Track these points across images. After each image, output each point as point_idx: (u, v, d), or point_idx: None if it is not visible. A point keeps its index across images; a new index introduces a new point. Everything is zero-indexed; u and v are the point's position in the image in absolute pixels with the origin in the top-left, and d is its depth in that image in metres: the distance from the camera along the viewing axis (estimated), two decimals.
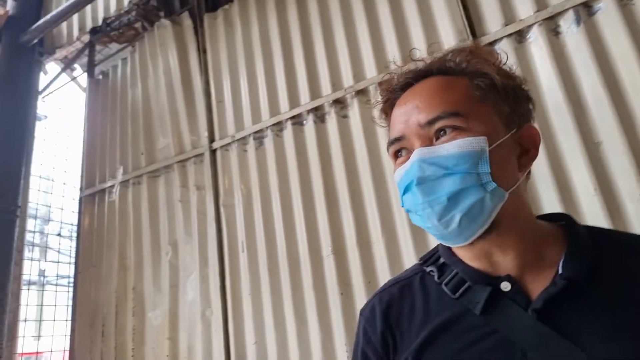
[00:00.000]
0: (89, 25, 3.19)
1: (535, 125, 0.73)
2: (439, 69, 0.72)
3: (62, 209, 3.32)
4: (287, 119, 2.43)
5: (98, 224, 3.05)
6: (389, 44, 2.23)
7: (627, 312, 0.60)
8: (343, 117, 2.29)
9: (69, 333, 2.98)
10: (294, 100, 2.46)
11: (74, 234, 3.26)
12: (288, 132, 2.42)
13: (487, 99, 0.67)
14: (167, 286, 2.63)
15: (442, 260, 0.75)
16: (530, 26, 1.88)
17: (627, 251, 0.66)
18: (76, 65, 3.80)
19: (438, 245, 0.78)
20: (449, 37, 2.05)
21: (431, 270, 0.75)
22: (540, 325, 0.61)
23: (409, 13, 2.21)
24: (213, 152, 2.65)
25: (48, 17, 2.93)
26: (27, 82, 3.13)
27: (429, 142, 0.66)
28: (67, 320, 3.04)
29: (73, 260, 3.17)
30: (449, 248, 0.75)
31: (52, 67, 3.66)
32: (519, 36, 1.91)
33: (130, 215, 2.89)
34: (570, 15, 1.81)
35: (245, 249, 2.40)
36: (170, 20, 2.97)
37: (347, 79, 2.31)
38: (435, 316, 0.70)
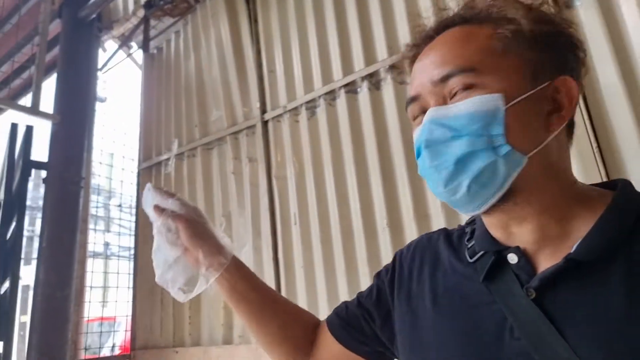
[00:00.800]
0: None
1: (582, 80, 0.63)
2: (461, 18, 0.65)
3: (122, 181, 3.47)
4: (340, 87, 2.36)
5: None
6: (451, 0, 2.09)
7: (630, 316, 0.50)
8: (400, 83, 2.18)
9: (130, 300, 3.16)
10: (347, 67, 2.38)
11: (134, 206, 3.41)
12: (341, 101, 2.35)
13: (510, 50, 0.60)
14: None
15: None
16: None
17: None
18: (132, 43, 3.90)
19: None
20: None
21: (467, 231, 0.72)
22: (533, 306, 0.56)
23: None
24: (265, 123, 2.64)
25: None
26: (87, 57, 3.25)
27: (443, 100, 0.61)
28: (129, 288, 3.20)
29: (134, 231, 3.32)
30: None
31: (109, 45, 3.80)
32: None
33: (185, 187, 2.97)
34: None
35: (298, 221, 2.39)
36: None
37: (405, 42, 2.19)
38: (450, 274, 0.70)
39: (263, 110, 2.66)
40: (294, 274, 2.35)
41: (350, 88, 2.34)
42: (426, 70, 0.63)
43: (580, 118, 1.66)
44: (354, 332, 0.83)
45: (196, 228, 0.86)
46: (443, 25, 0.66)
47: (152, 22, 3.40)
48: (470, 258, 0.66)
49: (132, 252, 3.27)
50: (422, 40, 0.68)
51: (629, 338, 0.49)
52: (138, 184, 3.29)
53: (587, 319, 0.52)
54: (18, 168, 3.04)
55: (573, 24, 0.64)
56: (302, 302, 2.28)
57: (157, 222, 0.86)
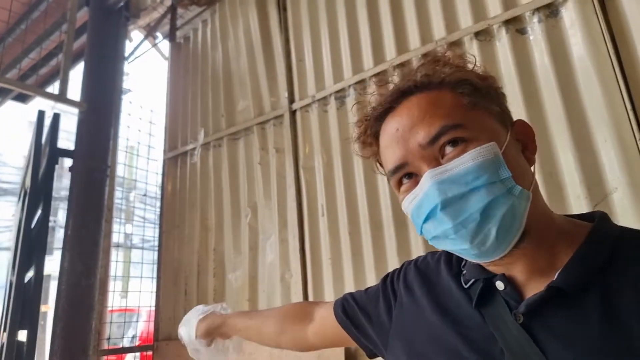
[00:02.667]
0: None
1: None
2: (417, 86, 0.70)
3: (147, 170, 3.58)
4: (370, 77, 2.40)
5: (180, 185, 3.25)
6: None
7: (613, 331, 0.56)
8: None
9: (154, 290, 3.26)
10: (378, 56, 2.41)
11: (158, 196, 3.51)
12: (372, 91, 2.38)
13: (477, 105, 0.67)
14: (247, 248, 2.75)
15: None
16: None
17: None
18: (158, 34, 4.00)
19: None
20: None
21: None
22: (521, 330, 0.62)
23: None
24: (293, 113, 2.70)
25: None
26: (114, 46, 3.35)
27: (435, 162, 0.65)
28: (152, 278, 3.30)
29: (157, 222, 3.42)
30: None
31: (135, 35, 3.90)
32: None
33: (211, 177, 3.05)
34: None
35: (326, 213, 2.44)
36: None
37: (439, 31, 2.22)
38: (446, 297, 0.76)
39: (291, 100, 2.72)
40: (321, 266, 2.40)
41: (381, 78, 2.38)
42: (407, 137, 0.66)
43: (624, 112, 1.67)
44: (353, 320, 0.95)
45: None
46: (400, 94, 0.71)
47: (179, 11, 3.49)
48: (465, 284, 0.73)
49: (156, 243, 3.37)
50: (384, 111, 0.72)
51: (596, 354, 0.56)
52: (163, 174, 3.38)
53: (567, 343, 0.58)
54: (45, 156, 3.16)
55: (497, 77, 0.75)
56: (328, 295, 2.33)
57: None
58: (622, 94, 1.68)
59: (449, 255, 0.82)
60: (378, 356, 0.95)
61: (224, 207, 2.94)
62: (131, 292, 3.64)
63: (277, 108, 2.78)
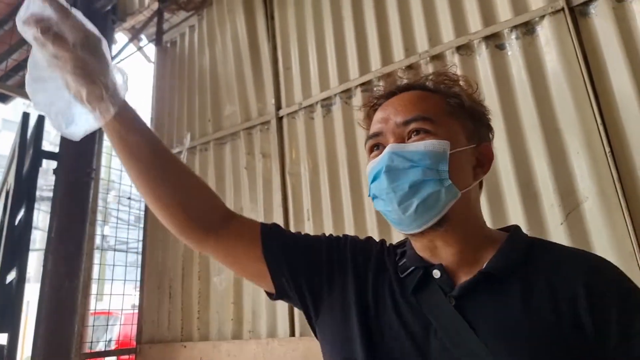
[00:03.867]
0: None
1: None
2: (419, 85, 0.86)
3: (121, 171, 3.56)
4: (356, 86, 2.47)
5: None
6: (469, 6, 2.19)
7: (530, 314, 0.69)
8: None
9: (131, 294, 3.25)
10: (364, 67, 2.48)
11: (135, 197, 3.51)
12: (357, 100, 2.45)
13: (455, 115, 0.81)
14: None
15: (406, 248, 0.88)
16: None
17: (552, 259, 0.76)
18: (142, 36, 3.99)
19: None
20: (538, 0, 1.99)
21: (398, 252, 0.89)
22: (453, 310, 0.72)
23: None
24: (279, 119, 2.74)
25: None
26: None
27: (401, 140, 0.78)
28: (125, 280, 3.30)
29: (133, 224, 3.41)
30: None
31: (120, 37, 3.89)
32: None
33: None
34: None
35: (311, 217, 2.49)
36: None
37: (422, 44, 2.30)
38: (386, 286, 0.83)
39: (278, 107, 2.76)
40: None
41: (367, 87, 2.44)
42: (390, 115, 0.81)
43: (594, 125, 1.77)
44: (284, 257, 0.87)
45: (82, 62, 0.67)
46: (404, 87, 0.86)
47: (166, 16, 3.50)
48: (401, 273, 0.82)
49: (133, 245, 3.36)
50: (387, 94, 0.86)
51: (523, 333, 0.67)
52: None
53: (494, 320, 0.70)
54: (28, 158, 3.13)
55: (490, 110, 0.88)
56: None
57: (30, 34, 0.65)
58: (593, 109, 1.78)
59: (392, 247, 0.92)
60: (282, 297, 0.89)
61: None
62: (106, 295, 3.62)
63: (264, 114, 2.82)
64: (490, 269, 0.74)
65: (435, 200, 0.74)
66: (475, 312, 0.72)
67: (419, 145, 0.76)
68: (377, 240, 0.94)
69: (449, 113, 0.80)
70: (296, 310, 2.43)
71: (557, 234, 1.78)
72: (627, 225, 1.66)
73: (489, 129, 0.87)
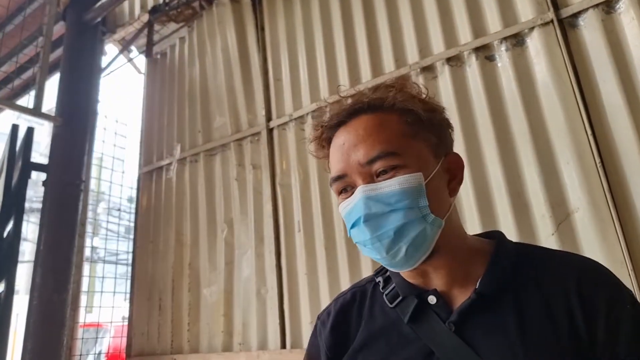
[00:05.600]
0: (150, 4, 3.29)
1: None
2: (369, 106, 0.76)
3: (121, 185, 3.49)
4: (347, 98, 2.41)
5: (156, 200, 3.18)
6: (459, 18, 2.16)
7: (528, 327, 0.67)
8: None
9: (121, 305, 3.16)
10: (354, 78, 2.44)
11: (125, 209, 3.43)
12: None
13: (417, 135, 0.74)
14: (223, 263, 2.71)
15: (388, 272, 0.84)
16: None
17: (541, 266, 0.73)
18: (132, 47, 3.93)
19: None
20: (526, 10, 1.96)
21: (379, 281, 0.84)
22: (455, 337, 0.69)
23: None
24: (270, 131, 2.69)
25: None
26: (91, 61, 3.27)
27: (370, 178, 0.72)
28: (115, 292, 3.21)
29: (123, 235, 3.33)
30: None
31: (110, 48, 3.82)
32: (607, 6, 1.80)
33: (187, 192, 3.00)
34: None
35: (302, 229, 2.43)
36: None
37: (412, 55, 2.26)
38: (373, 322, 0.80)
39: (268, 118, 2.71)
40: (297, 281, 2.38)
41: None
42: (350, 153, 0.73)
43: (584, 136, 1.74)
44: None
45: None
46: (354, 110, 0.77)
47: (156, 27, 3.44)
48: (390, 303, 0.78)
49: (123, 256, 3.27)
50: (336, 123, 0.78)
51: (521, 348, 0.65)
52: (138, 188, 3.30)
53: (495, 342, 0.67)
54: (17, 169, 3.04)
55: (444, 108, 0.80)
56: (304, 309, 2.31)
57: None
58: (582, 119, 1.75)
59: (362, 290, 0.87)
60: None
61: (200, 223, 2.89)
62: (96, 307, 3.52)
63: (255, 125, 2.77)
64: (484, 290, 0.71)
65: (423, 238, 0.70)
66: (475, 335, 0.69)
67: (393, 185, 0.70)
68: (328, 309, 0.89)
69: (410, 135, 0.73)
70: (287, 322, 2.36)
71: (549, 244, 1.74)
72: (617, 235, 1.62)
73: (450, 128, 0.81)
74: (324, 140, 0.81)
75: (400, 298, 0.77)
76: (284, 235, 2.49)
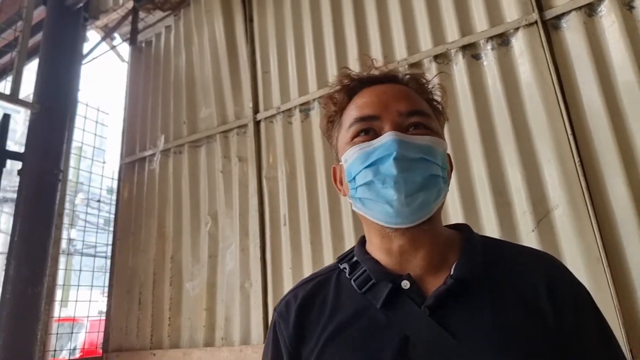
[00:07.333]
0: None
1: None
2: (408, 81, 0.85)
3: (102, 176, 3.52)
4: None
5: (137, 192, 3.23)
6: (447, 17, 2.27)
7: (502, 312, 0.72)
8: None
9: (104, 300, 3.20)
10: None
11: (104, 199, 3.46)
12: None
13: (437, 118, 0.84)
14: (206, 256, 2.78)
15: (355, 258, 0.86)
16: None
17: (510, 258, 0.80)
18: (115, 35, 3.96)
19: (354, 246, 0.90)
20: (512, 10, 2.08)
21: (344, 267, 0.85)
22: (431, 321, 0.71)
23: None
24: (257, 123, 2.77)
25: None
26: (72, 47, 3.30)
27: (402, 130, 0.76)
28: (104, 287, 3.24)
29: (102, 227, 3.36)
30: (363, 247, 0.87)
31: (92, 35, 3.84)
32: (589, 9, 1.93)
33: (170, 184, 3.06)
34: None
35: (288, 222, 2.51)
36: None
37: (400, 52, 2.37)
38: (342, 310, 0.79)
39: (256, 110, 2.79)
40: (282, 275, 2.47)
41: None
42: (389, 100, 0.79)
43: (565, 135, 1.87)
44: None
45: None
46: (392, 77, 0.85)
47: (141, 15, 3.48)
48: (360, 289, 0.79)
49: (101, 249, 3.31)
50: (371, 80, 0.85)
51: (497, 332, 0.69)
52: (120, 179, 3.35)
53: (469, 324, 0.71)
54: None
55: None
56: None
57: None
58: (563, 119, 1.88)
59: (320, 281, 0.87)
60: None
61: (183, 215, 2.95)
62: (72, 301, 3.55)
63: (241, 117, 2.84)
64: (460, 275, 0.74)
65: (436, 196, 0.75)
66: (450, 320, 0.71)
67: (428, 140, 0.76)
68: (284, 302, 0.88)
69: (434, 115, 0.83)
70: (270, 316, 2.44)
71: (529, 240, 1.86)
72: (594, 233, 1.75)
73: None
74: (351, 89, 0.85)
75: (370, 283, 0.78)
76: (270, 229, 2.57)
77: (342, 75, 0.88)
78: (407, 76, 0.86)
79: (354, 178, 0.78)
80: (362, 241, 0.89)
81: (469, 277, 0.74)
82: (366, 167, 0.75)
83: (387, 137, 0.74)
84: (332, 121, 0.89)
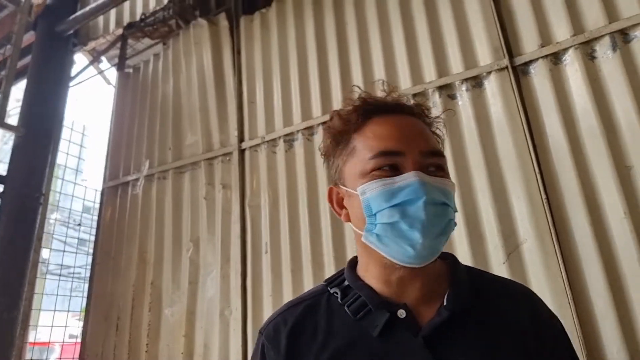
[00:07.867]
0: (126, 19, 3.45)
1: None
2: (418, 114, 0.86)
3: (84, 199, 3.55)
4: (319, 124, 2.64)
5: (119, 216, 3.27)
6: (425, 59, 2.43)
7: (490, 341, 0.77)
8: None
9: (82, 324, 3.19)
10: (326, 106, 2.66)
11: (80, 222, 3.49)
12: (319, 137, 2.62)
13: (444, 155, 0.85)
14: (186, 283, 2.82)
15: (346, 283, 0.87)
16: (566, 49, 2.07)
17: (494, 290, 0.86)
18: (103, 58, 4.05)
19: (343, 268, 0.92)
20: (485, 55, 2.25)
21: (335, 292, 0.86)
22: (426, 351, 0.74)
23: (446, 29, 2.41)
24: (242, 151, 2.87)
25: (87, 9, 3.20)
26: (59, 71, 3.38)
27: (423, 171, 0.76)
28: (80, 311, 3.24)
29: (79, 249, 3.38)
30: (354, 272, 0.88)
31: (79, 58, 3.93)
32: (555, 58, 2.10)
33: (153, 209, 3.11)
34: (606, 41, 1.99)
35: (269, 250, 2.59)
36: (206, 20, 3.22)
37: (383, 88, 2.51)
38: (336, 337, 0.80)
39: (241, 139, 2.89)
40: (262, 303, 2.53)
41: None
42: (411, 137, 0.79)
43: (532, 173, 2.01)
44: None
45: None
46: (406, 108, 0.85)
47: (130, 42, 3.59)
48: (355, 316, 0.80)
49: (77, 271, 3.32)
50: (385, 108, 0.84)
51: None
52: (102, 203, 3.39)
53: (460, 353, 0.75)
54: None
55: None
56: None
57: None
58: (531, 157, 2.03)
59: (310, 304, 0.87)
60: None
61: (165, 240, 3.00)
62: (45, 326, 3.52)
63: (227, 145, 2.94)
64: (453, 307, 0.78)
65: (447, 239, 0.78)
66: (445, 351, 0.75)
67: (446, 183, 0.78)
68: (272, 324, 0.87)
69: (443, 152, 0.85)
70: (250, 344, 2.49)
71: (500, 272, 1.98)
72: (559, 267, 1.87)
73: None
74: (366, 112, 0.83)
75: (365, 310, 0.79)
76: (251, 256, 2.64)
77: (358, 97, 0.87)
78: (419, 107, 0.86)
79: (375, 214, 0.77)
80: (351, 265, 0.90)
81: (460, 308, 0.78)
82: (392, 206, 0.75)
83: (413, 178, 0.74)
84: (338, 141, 0.87)
